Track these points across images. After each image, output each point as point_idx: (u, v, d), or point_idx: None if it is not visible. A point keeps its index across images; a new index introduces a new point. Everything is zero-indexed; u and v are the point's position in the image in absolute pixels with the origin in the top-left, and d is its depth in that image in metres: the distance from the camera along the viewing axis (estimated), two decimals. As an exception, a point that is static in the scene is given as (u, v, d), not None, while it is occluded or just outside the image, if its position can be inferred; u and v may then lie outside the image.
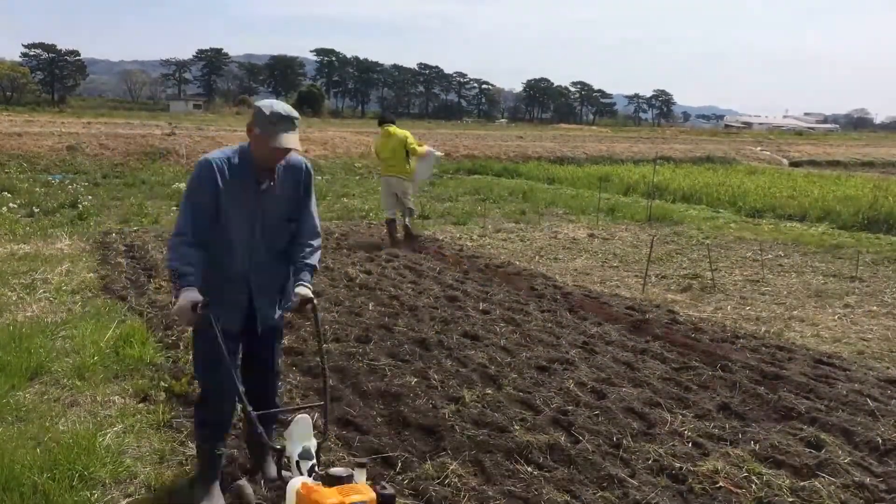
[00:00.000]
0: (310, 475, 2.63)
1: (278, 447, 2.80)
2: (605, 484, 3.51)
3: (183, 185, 14.38)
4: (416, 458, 3.74)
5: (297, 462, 2.72)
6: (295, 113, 3.03)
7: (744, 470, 3.67)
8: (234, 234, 3.08)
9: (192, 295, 2.86)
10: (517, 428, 4.04)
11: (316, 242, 3.25)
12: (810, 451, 3.88)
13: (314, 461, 2.72)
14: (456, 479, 3.49)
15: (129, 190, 15.34)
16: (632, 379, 4.97)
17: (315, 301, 3.08)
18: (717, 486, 3.52)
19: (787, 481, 3.57)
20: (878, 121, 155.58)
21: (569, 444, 3.89)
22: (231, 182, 3.02)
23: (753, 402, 4.63)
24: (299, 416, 2.84)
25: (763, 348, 5.77)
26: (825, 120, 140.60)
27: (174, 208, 12.81)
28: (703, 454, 3.86)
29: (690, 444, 3.98)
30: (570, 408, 4.38)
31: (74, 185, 13.96)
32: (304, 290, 3.08)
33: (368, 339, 5.60)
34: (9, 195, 12.50)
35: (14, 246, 8.81)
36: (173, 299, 3.14)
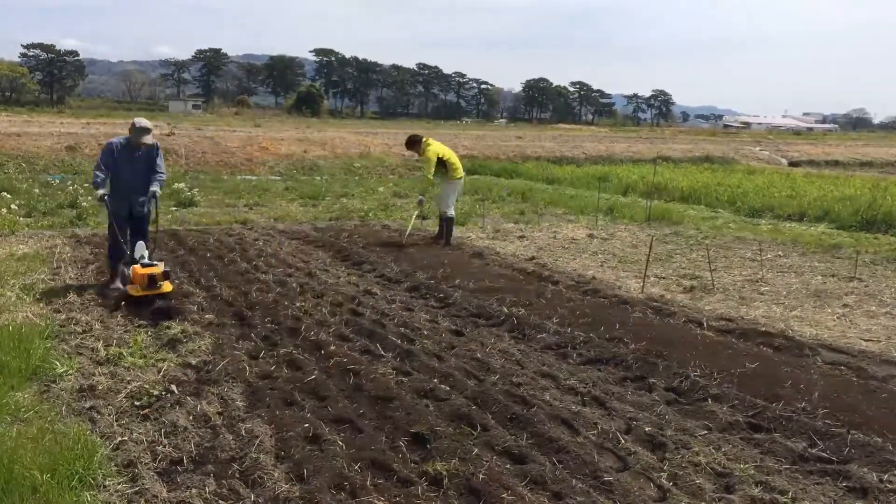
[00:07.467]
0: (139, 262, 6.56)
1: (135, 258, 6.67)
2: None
3: (182, 185, 14.50)
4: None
5: (139, 259, 6.58)
6: (148, 124, 6.97)
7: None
8: (122, 175, 6.97)
9: (99, 192, 6.83)
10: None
11: (161, 176, 7.04)
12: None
13: (144, 259, 6.56)
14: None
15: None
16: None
17: (157, 193, 6.97)
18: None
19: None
20: (876, 121, 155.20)
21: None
22: (121, 151, 6.97)
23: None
24: (139, 243, 6.76)
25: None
26: (824, 120, 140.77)
27: (173, 208, 12.82)
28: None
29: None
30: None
31: (74, 185, 13.94)
32: (153, 188, 6.95)
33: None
34: (8, 196, 12.49)
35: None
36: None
